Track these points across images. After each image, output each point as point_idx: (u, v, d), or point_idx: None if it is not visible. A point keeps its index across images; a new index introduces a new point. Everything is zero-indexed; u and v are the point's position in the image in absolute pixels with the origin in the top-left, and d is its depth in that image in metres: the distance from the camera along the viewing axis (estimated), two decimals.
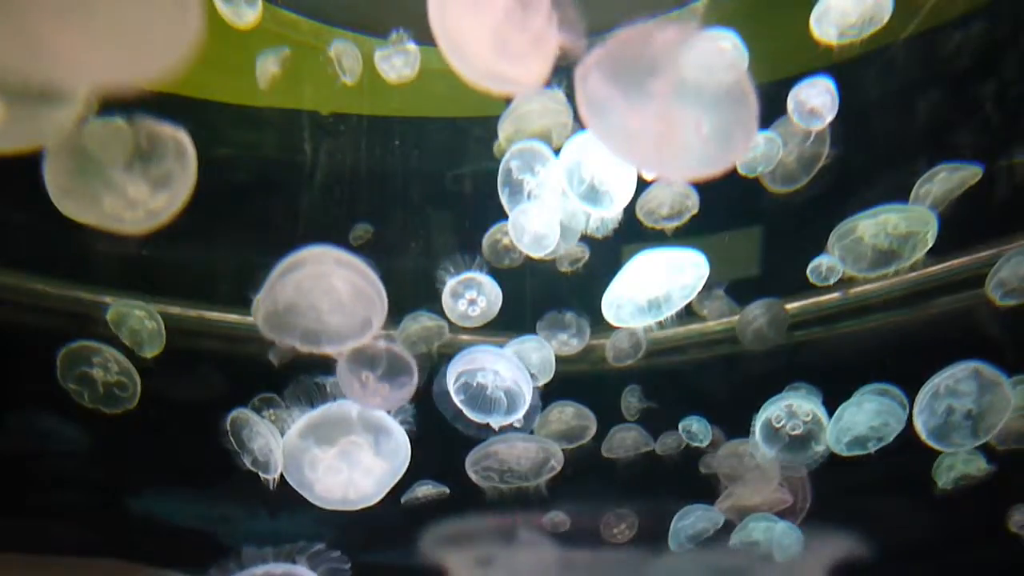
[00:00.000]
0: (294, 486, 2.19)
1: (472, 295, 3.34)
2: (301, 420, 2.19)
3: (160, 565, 4.03)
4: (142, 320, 3.34)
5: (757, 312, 3.95)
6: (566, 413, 4.07)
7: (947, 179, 3.22)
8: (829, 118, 3.11)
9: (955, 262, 3.92)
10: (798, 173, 3.29)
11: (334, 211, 4.34)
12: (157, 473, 4.24)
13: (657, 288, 2.61)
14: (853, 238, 3.11)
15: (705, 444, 4.05)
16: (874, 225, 3.09)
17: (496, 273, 3.59)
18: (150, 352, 3.35)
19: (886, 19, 2.85)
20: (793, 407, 3.43)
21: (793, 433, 3.43)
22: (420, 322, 3.94)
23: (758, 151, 3.30)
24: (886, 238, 3.08)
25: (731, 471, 3.94)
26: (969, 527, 4.08)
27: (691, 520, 4.01)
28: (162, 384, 3.48)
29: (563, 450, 3.96)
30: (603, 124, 1.29)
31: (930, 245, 3.06)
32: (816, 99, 3.08)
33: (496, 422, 2.78)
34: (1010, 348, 3.82)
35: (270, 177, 4.49)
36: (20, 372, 3.82)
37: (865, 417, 3.31)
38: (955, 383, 2.94)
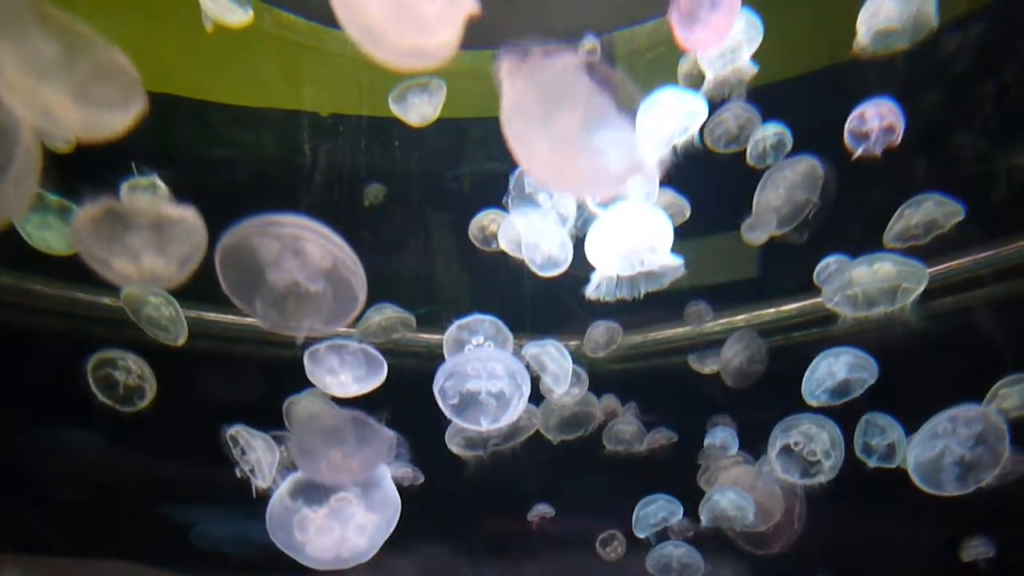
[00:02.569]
0: (284, 549, 2.12)
1: (479, 340, 3.31)
2: (289, 480, 2.13)
3: (161, 565, 4.03)
4: (158, 307, 3.34)
5: (736, 348, 3.99)
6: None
7: (933, 210, 3.24)
8: (890, 141, 3.11)
9: (955, 262, 3.92)
10: (790, 219, 3.32)
11: (333, 211, 4.35)
12: (160, 474, 4.25)
13: (636, 240, 2.53)
14: (846, 281, 3.13)
15: (731, 455, 4.05)
16: (870, 273, 3.12)
17: (495, 271, 3.59)
18: (171, 339, 3.34)
19: (933, 22, 2.82)
20: (812, 432, 3.45)
21: (810, 459, 3.44)
22: (384, 314, 3.93)
23: (768, 141, 3.33)
24: (879, 285, 3.11)
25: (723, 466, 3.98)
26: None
27: (653, 508, 4.04)
28: (162, 384, 3.49)
29: (566, 440, 4.00)
30: (518, 130, 1.34)
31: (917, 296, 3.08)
32: (877, 121, 3.08)
33: (488, 425, 2.76)
34: (1009, 348, 3.83)
35: (270, 177, 4.49)
36: (22, 372, 3.82)
37: (841, 369, 3.31)
38: (955, 424, 2.92)
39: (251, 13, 3.29)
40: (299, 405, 3.00)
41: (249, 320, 4.10)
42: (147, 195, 1.52)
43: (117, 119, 1.38)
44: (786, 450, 3.47)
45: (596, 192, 1.70)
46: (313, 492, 2.14)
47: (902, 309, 3.07)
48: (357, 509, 2.16)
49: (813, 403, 3.34)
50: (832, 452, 3.41)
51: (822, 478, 3.44)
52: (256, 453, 2.34)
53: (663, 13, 4.00)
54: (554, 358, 3.63)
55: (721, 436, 4.07)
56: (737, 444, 4.05)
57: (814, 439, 3.44)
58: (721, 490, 3.85)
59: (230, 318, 4.07)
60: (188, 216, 1.55)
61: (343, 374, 2.82)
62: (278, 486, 2.20)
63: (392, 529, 2.21)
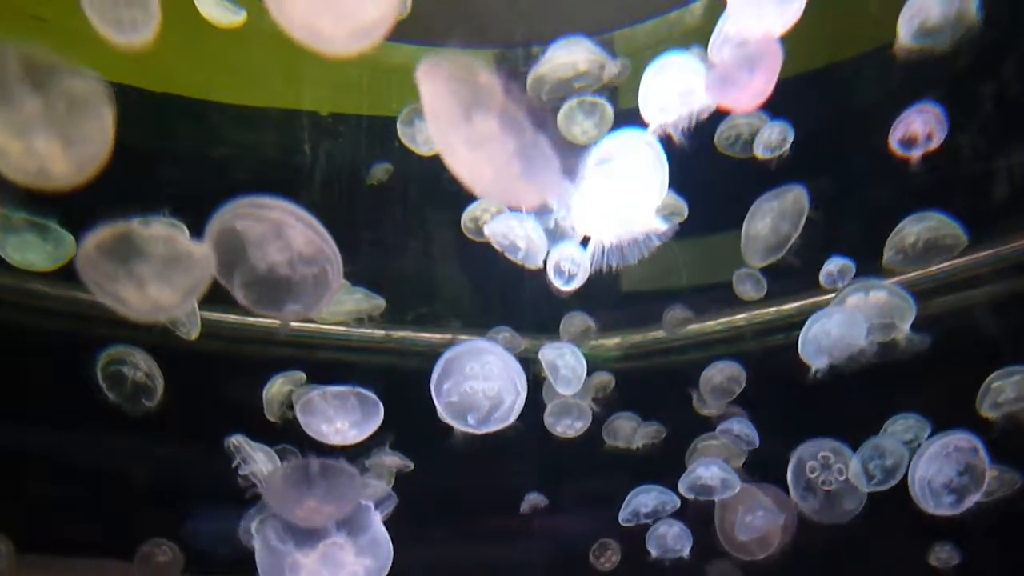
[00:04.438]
0: None
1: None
2: (278, 523, 2.13)
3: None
4: None
5: (720, 366, 4.06)
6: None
7: (935, 228, 3.24)
8: (931, 146, 3.11)
9: (955, 262, 3.92)
10: (777, 247, 3.34)
11: (333, 210, 4.35)
12: (160, 473, 4.25)
13: (623, 204, 2.48)
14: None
15: (749, 447, 4.06)
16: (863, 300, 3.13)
17: (496, 270, 3.59)
18: (189, 334, 3.33)
19: (973, 19, 2.80)
20: (831, 460, 3.44)
21: (824, 488, 3.44)
22: (354, 297, 3.94)
23: (774, 138, 3.35)
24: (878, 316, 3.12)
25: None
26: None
27: (645, 497, 4.06)
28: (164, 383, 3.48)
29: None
30: (439, 129, 1.39)
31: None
32: (922, 126, 3.07)
33: (480, 423, 2.75)
34: (1009, 347, 3.83)
35: (270, 177, 4.49)
36: (22, 372, 3.82)
37: (836, 328, 3.30)
38: (949, 450, 2.93)
39: (244, 15, 3.28)
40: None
41: (251, 320, 4.10)
42: (162, 226, 1.51)
43: (100, 149, 1.38)
44: (804, 477, 3.47)
45: (518, 200, 1.71)
46: (303, 535, 2.13)
47: (897, 337, 3.09)
48: (348, 555, 2.15)
49: (812, 365, 3.31)
50: (849, 479, 3.42)
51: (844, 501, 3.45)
52: (257, 464, 2.34)
53: (663, 12, 4.01)
54: (568, 363, 3.65)
55: (739, 427, 4.07)
56: (756, 434, 4.05)
57: (832, 466, 3.44)
58: (705, 463, 3.87)
59: (232, 318, 4.07)
60: (198, 250, 1.55)
61: (339, 421, 2.81)
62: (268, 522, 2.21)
63: (386, 571, 2.20)
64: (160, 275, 1.53)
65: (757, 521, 3.72)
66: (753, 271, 3.74)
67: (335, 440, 2.79)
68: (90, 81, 1.33)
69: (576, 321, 4.29)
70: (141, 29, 2.06)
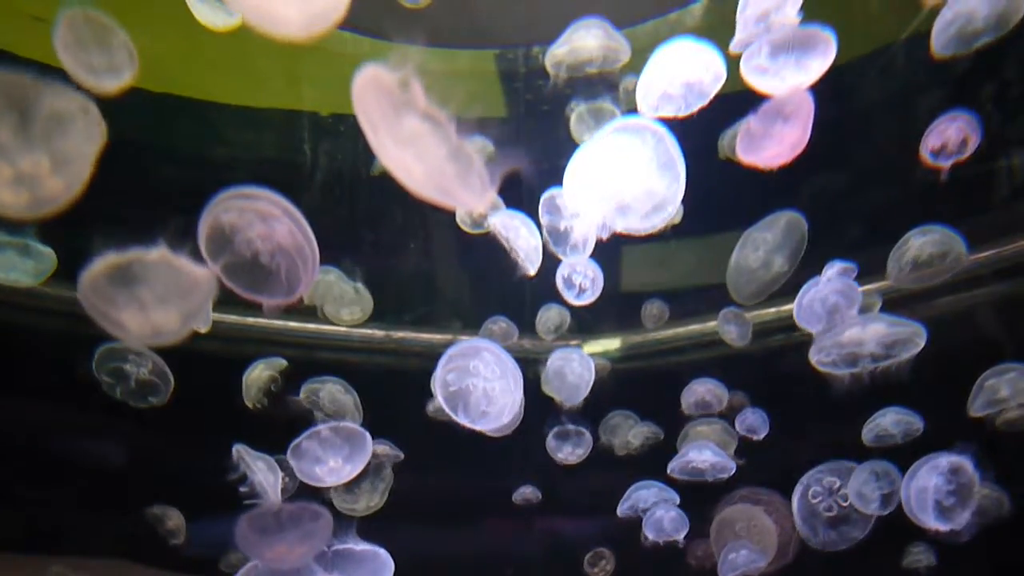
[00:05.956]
0: None
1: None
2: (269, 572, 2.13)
3: (161, 566, 4.03)
4: None
5: (700, 381, 4.10)
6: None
7: (942, 242, 3.23)
8: (963, 156, 3.09)
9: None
10: (769, 283, 3.34)
11: (334, 211, 4.35)
12: (161, 473, 4.25)
13: (621, 187, 2.38)
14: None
15: (761, 437, 4.07)
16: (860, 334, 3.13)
17: (496, 269, 3.59)
18: (199, 328, 3.32)
19: (1016, 21, 2.74)
20: (835, 487, 3.44)
21: (828, 514, 3.43)
22: (328, 279, 3.93)
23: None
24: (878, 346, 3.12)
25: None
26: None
27: (646, 493, 4.07)
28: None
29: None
30: (372, 128, 1.44)
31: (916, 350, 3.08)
32: (956, 134, 3.05)
33: (477, 422, 2.74)
34: (1010, 347, 3.83)
35: (270, 177, 4.48)
36: (22, 372, 3.82)
37: (831, 297, 3.28)
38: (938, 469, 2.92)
39: (238, 17, 3.28)
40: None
41: (251, 320, 4.09)
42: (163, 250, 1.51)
43: (89, 158, 1.36)
44: (809, 499, 3.47)
45: (451, 200, 1.72)
46: None
47: (895, 364, 3.08)
48: None
49: (804, 327, 3.28)
50: (855, 502, 3.41)
51: (848, 529, 3.44)
52: (258, 475, 2.34)
53: (663, 12, 4.00)
54: (575, 370, 3.65)
55: (753, 418, 4.06)
56: (767, 427, 4.05)
57: (836, 491, 3.44)
58: (698, 446, 3.88)
59: (232, 318, 4.07)
60: (200, 273, 1.55)
61: (330, 460, 2.80)
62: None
63: None
64: (162, 300, 1.53)
65: (740, 560, 3.73)
66: (739, 312, 3.78)
67: (332, 480, 2.78)
68: (73, 97, 1.30)
69: (552, 314, 4.29)
70: (116, 74, 2.05)
